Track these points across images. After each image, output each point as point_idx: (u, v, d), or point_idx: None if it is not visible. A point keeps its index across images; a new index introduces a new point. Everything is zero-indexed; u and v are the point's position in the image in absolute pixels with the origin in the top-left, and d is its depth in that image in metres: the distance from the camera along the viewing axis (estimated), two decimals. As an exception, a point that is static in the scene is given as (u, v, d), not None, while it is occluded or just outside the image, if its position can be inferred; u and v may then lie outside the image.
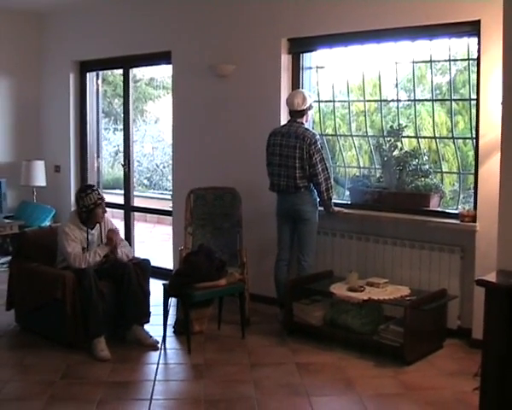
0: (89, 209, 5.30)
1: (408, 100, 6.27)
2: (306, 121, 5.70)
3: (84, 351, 5.00)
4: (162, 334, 5.30)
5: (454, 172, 6.06)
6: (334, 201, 5.71)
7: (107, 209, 5.55)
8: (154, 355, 5.07)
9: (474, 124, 5.29)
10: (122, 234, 6.75)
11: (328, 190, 5.57)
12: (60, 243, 5.31)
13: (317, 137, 5.59)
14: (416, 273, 5.48)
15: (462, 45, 5.47)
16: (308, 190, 5.59)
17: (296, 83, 6.20)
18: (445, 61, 5.72)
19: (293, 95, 5.71)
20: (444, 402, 4.23)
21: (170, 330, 5.47)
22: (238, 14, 6.48)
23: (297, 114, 5.61)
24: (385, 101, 6.19)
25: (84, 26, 7.94)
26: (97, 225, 5.42)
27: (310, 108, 5.68)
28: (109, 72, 10.71)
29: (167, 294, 5.32)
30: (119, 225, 7.18)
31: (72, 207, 6.76)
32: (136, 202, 8.45)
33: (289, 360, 4.96)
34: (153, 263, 5.77)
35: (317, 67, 6.23)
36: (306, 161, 5.48)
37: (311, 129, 5.74)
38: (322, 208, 5.68)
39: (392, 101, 6.21)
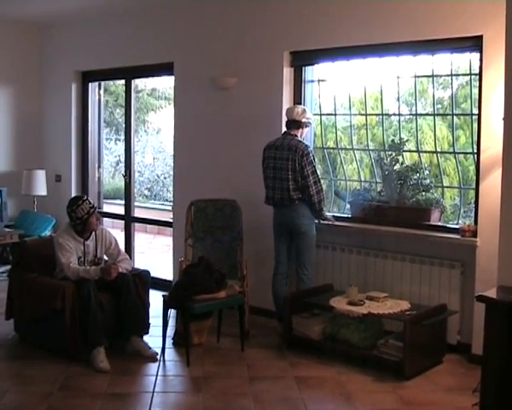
0: (83, 220, 5.30)
1: (409, 114, 6.29)
2: (301, 136, 5.68)
3: (83, 362, 4.98)
4: (161, 345, 5.28)
5: (455, 187, 6.07)
6: (334, 214, 5.70)
7: (108, 220, 5.54)
8: (152, 367, 5.05)
9: (475, 139, 5.29)
10: (122, 245, 6.76)
11: (320, 202, 5.54)
12: (55, 254, 5.31)
13: (310, 149, 5.58)
14: (416, 288, 5.46)
15: (464, 60, 5.48)
16: (303, 203, 5.56)
17: (298, 96, 6.20)
18: (447, 75, 5.73)
19: (294, 106, 5.76)
20: (443, 418, 4.23)
21: (169, 342, 5.45)
22: (240, 27, 6.50)
23: (293, 124, 5.61)
24: (386, 115, 6.20)
25: (86, 37, 7.97)
26: (93, 234, 5.42)
27: (307, 124, 5.68)
28: (111, 82, 10.75)
29: (167, 305, 5.32)
30: (119, 235, 7.18)
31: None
32: (137, 213, 8.45)
33: (288, 373, 4.94)
34: (153, 274, 5.77)
35: (319, 81, 6.24)
36: (298, 172, 5.47)
37: (304, 141, 5.72)
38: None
39: (394, 115, 6.22)
